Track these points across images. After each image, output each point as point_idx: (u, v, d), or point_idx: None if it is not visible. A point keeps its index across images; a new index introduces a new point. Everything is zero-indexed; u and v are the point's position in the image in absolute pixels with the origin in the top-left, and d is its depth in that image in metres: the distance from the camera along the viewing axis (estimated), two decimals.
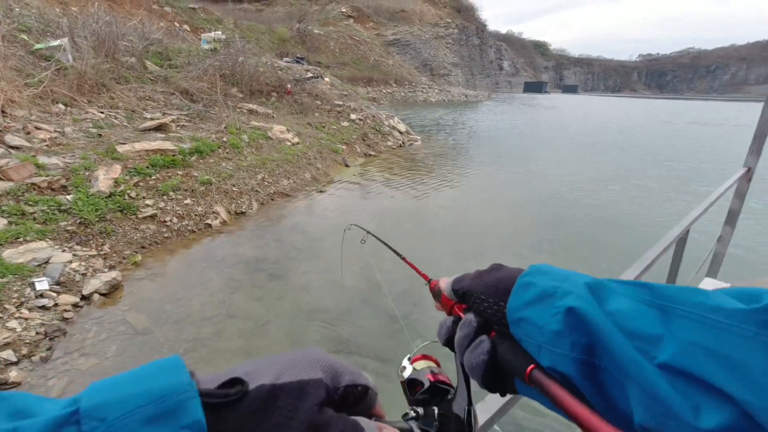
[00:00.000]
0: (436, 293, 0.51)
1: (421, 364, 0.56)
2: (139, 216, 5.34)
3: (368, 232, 1.11)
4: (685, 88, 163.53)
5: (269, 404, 0.23)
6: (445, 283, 0.48)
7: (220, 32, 16.59)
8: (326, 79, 15.36)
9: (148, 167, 6.03)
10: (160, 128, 7.36)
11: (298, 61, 21.19)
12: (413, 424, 0.43)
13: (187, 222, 5.75)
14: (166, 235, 5.41)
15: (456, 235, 6.24)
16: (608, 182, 9.61)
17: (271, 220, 6.59)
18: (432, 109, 30.08)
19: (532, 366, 0.33)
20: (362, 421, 0.27)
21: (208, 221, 5.99)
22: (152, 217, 5.45)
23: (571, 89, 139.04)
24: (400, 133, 13.39)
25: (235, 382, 0.24)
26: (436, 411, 0.48)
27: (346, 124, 12.19)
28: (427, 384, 0.51)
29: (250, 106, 10.39)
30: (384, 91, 34.92)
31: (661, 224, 6.77)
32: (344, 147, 10.76)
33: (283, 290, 4.56)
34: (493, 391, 0.39)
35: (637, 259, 1.12)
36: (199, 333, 3.75)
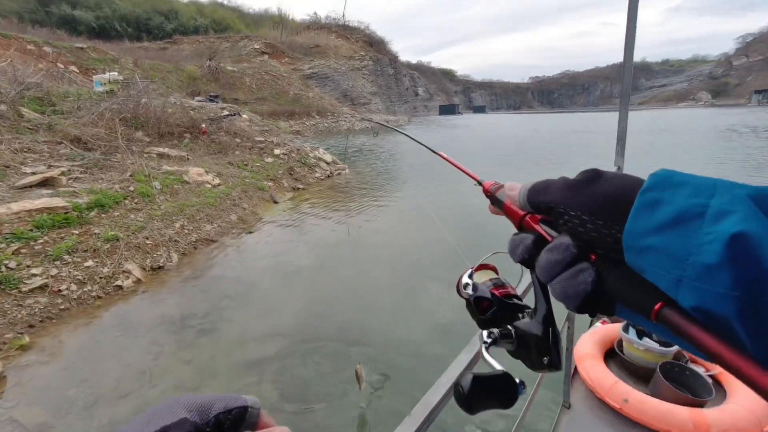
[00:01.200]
0: (496, 199, 0.44)
1: (480, 276, 0.52)
2: (24, 289, 4.50)
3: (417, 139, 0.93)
4: (570, 103, 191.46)
5: None
6: (514, 190, 0.40)
7: (116, 73, 15.32)
8: (244, 115, 14.94)
9: (31, 230, 5.16)
10: (45, 183, 6.41)
11: (211, 100, 20.38)
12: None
13: (90, 287, 4.99)
14: (62, 306, 4.62)
15: (395, 258, 6.30)
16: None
17: (196, 270, 6.02)
18: (356, 137, 30.82)
19: (660, 303, 0.27)
20: None
21: (118, 282, 5.27)
22: (42, 288, 4.63)
23: (480, 109, 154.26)
24: (327, 163, 13.42)
25: None
26: (513, 331, 0.44)
27: (270, 159, 11.87)
28: (493, 300, 0.47)
29: (161, 149, 9.61)
30: (307, 123, 35.03)
31: None
32: (271, 183, 10.42)
33: (216, 346, 4.13)
34: (582, 313, 0.33)
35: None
36: (115, 415, 3.19)
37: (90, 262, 5.29)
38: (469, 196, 10.20)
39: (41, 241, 5.14)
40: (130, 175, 7.47)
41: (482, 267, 0.54)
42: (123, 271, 5.47)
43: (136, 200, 6.90)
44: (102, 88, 12.13)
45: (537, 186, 0.37)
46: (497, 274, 0.54)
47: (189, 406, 0.28)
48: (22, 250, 4.91)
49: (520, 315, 0.45)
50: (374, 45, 70.04)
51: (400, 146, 24.76)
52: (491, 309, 0.47)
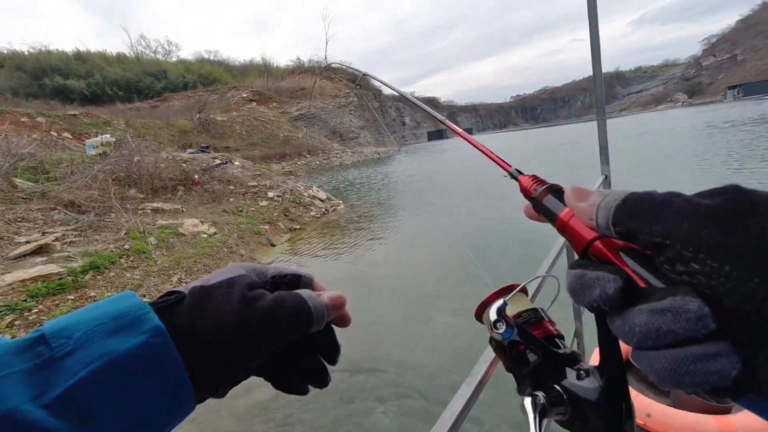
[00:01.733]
0: (544, 207, 0.32)
1: (512, 306, 0.39)
2: None
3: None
4: (553, 117, 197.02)
5: (204, 297, 0.28)
6: (585, 200, 0.27)
7: (108, 135, 15.70)
8: (236, 162, 15.20)
9: (25, 300, 5.06)
10: (40, 251, 6.37)
11: (203, 150, 20.80)
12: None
13: None
14: None
15: (400, 289, 6.19)
16: (506, 203, 10.64)
17: None
18: (348, 171, 31.29)
19: None
20: (301, 291, 0.31)
21: None
22: None
23: (467, 131, 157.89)
24: (321, 201, 13.51)
25: (172, 292, 0.29)
26: (563, 395, 0.32)
27: (264, 203, 11.94)
28: (537, 348, 0.35)
29: (155, 204, 9.67)
30: (299, 163, 35.65)
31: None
32: (267, 227, 10.42)
33: (218, 401, 3.94)
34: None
35: (539, 267, 1.15)
36: None
37: None
38: (464, 218, 10.21)
39: (35, 310, 5.03)
40: (125, 234, 7.46)
41: (505, 290, 0.42)
42: None
43: (131, 258, 6.84)
44: (94, 151, 12.37)
45: (636, 202, 0.24)
46: (527, 296, 0.43)
47: (248, 269, 0.33)
48: (16, 322, 4.79)
49: (571, 369, 0.34)
50: (357, 82, 72.73)
51: (389, 176, 25.10)
52: (531, 357, 0.36)
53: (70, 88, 50.39)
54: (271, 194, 12.54)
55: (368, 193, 17.85)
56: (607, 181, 2.47)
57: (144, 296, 6.08)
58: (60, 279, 5.61)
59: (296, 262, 8.35)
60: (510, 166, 0.41)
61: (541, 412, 0.33)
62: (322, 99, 59.14)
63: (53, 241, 6.67)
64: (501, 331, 0.36)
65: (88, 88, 52.37)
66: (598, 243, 0.26)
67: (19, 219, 7.45)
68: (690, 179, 10.64)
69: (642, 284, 0.23)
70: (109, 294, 5.70)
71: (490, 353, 0.67)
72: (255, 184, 13.15)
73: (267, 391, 4.03)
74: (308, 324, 0.30)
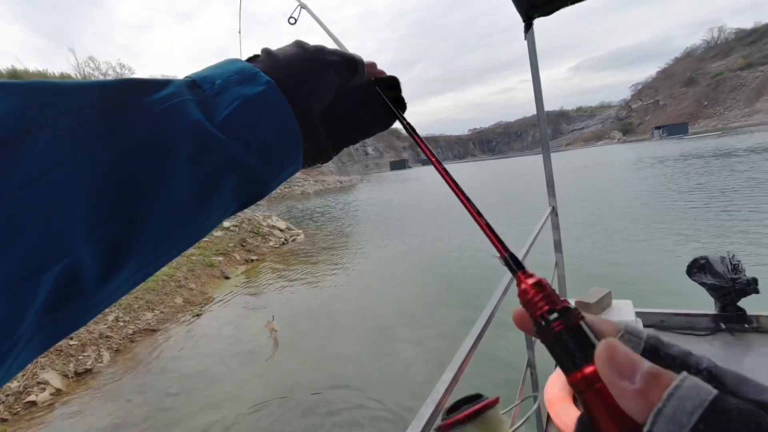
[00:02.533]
0: (554, 345, 0.21)
1: None
2: None
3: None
4: (507, 149, 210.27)
5: (270, 52, 0.30)
6: (628, 376, 0.16)
7: None
8: None
9: None
10: None
11: None
12: None
13: None
14: None
15: (358, 322, 5.99)
16: (460, 235, 10.94)
17: (132, 368, 5.28)
18: (310, 200, 30.95)
19: None
20: None
21: (31, 398, 4.45)
22: None
23: (428, 162, 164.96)
24: (281, 230, 13.12)
25: (256, 56, 0.31)
26: None
27: (219, 233, 11.38)
28: None
29: None
30: None
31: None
32: (221, 258, 9.87)
33: None
34: None
35: (489, 299, 1.15)
36: None
37: None
38: (425, 247, 10.30)
39: None
40: None
41: (473, 411, 0.34)
42: (38, 383, 4.65)
43: None
44: None
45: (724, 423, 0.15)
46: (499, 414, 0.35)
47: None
48: None
49: None
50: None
51: (349, 206, 25.13)
52: None
53: None
54: (227, 224, 11.99)
55: (330, 223, 17.64)
56: (554, 212, 2.58)
57: (71, 338, 5.41)
58: None
59: (251, 294, 7.91)
60: (505, 250, 0.27)
61: None
62: None
63: None
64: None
65: None
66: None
67: None
68: (628, 211, 11.57)
69: None
70: None
71: (437, 393, 0.65)
72: None
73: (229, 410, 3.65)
74: (353, 64, 0.33)
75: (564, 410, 2.15)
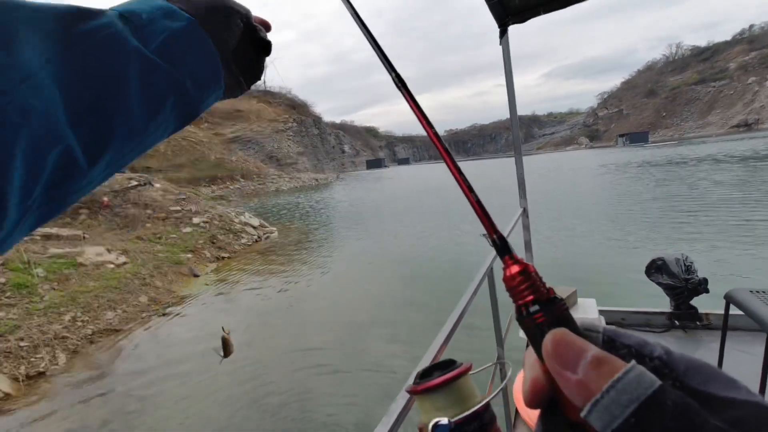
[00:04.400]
0: (530, 331, 0.21)
1: (455, 401, 0.32)
2: None
3: None
4: (482, 151, 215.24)
5: None
6: (570, 366, 0.18)
7: None
8: (156, 185, 13.87)
9: None
10: None
11: None
12: None
13: None
14: None
15: (332, 319, 5.93)
16: (438, 236, 11.11)
17: (92, 369, 5.00)
18: (284, 197, 30.39)
19: None
20: None
21: None
22: None
23: (404, 161, 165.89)
24: (254, 228, 12.81)
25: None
26: None
27: (188, 230, 10.96)
28: None
29: (47, 230, 8.31)
30: (231, 187, 33.82)
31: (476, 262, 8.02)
32: (189, 256, 9.51)
33: None
34: None
35: (460, 298, 1.18)
36: None
37: None
38: (398, 242, 10.36)
39: None
40: (1, 264, 6.24)
41: (449, 376, 0.34)
42: None
43: (8, 294, 5.71)
44: None
45: (660, 416, 0.15)
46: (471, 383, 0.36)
47: None
48: None
49: None
50: (297, 108, 72.46)
51: (321, 202, 24.90)
52: None
53: None
54: (196, 220, 11.57)
55: (304, 219, 17.40)
56: (525, 213, 2.67)
57: (22, 339, 5.06)
58: None
59: (221, 292, 7.67)
60: (495, 231, 0.26)
61: None
62: (259, 122, 57.71)
63: None
64: None
65: None
66: None
67: None
68: (592, 214, 12.12)
69: None
70: None
71: (404, 395, 0.65)
72: (178, 208, 12.06)
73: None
74: (250, 15, 0.37)
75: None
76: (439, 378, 0.33)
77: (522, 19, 2.21)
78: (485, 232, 0.27)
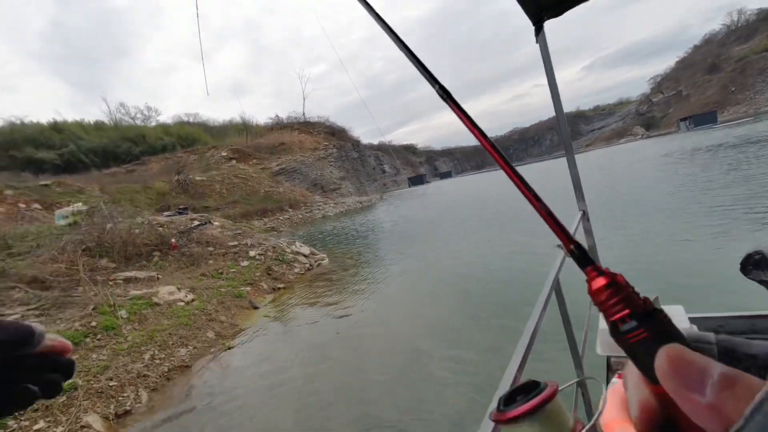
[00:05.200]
0: (630, 347, 0.19)
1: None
2: None
3: None
4: (525, 155, 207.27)
5: None
6: (696, 387, 0.14)
7: (80, 204, 15.30)
8: (215, 222, 14.93)
9: None
10: None
11: (180, 212, 20.48)
12: None
13: None
14: None
15: (389, 347, 5.83)
16: (497, 249, 10.64)
17: (168, 408, 5.30)
18: (331, 222, 31.22)
19: None
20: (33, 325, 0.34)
21: None
22: None
23: (446, 175, 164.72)
24: (305, 256, 13.21)
25: None
26: None
27: (246, 263, 11.57)
28: None
29: (128, 274, 9.20)
30: (281, 218, 35.48)
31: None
32: (249, 288, 9.98)
33: None
34: None
35: (531, 311, 1.11)
36: None
37: (41, 424, 4.56)
38: (450, 263, 10.07)
39: None
40: (93, 309, 6.94)
41: (534, 403, 0.31)
42: (81, 427, 4.71)
43: (99, 336, 6.31)
44: (64, 221, 11.94)
45: None
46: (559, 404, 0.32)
47: None
48: None
49: None
50: (336, 134, 75.18)
51: (365, 225, 25.13)
52: None
53: (43, 159, 49.74)
54: (252, 253, 12.20)
55: (353, 243, 17.66)
56: (585, 217, 2.43)
57: (111, 379, 5.52)
58: None
59: (280, 324, 7.89)
60: (570, 241, 0.24)
61: None
62: (302, 152, 60.59)
63: None
64: None
65: (61, 158, 51.69)
66: None
67: None
68: (661, 209, 10.98)
69: None
70: (69, 382, 5.14)
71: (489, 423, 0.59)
72: (235, 243, 12.83)
73: None
74: (25, 340, 0.33)
75: None
76: (525, 404, 0.30)
77: (558, 12, 2.06)
78: (559, 242, 0.25)
